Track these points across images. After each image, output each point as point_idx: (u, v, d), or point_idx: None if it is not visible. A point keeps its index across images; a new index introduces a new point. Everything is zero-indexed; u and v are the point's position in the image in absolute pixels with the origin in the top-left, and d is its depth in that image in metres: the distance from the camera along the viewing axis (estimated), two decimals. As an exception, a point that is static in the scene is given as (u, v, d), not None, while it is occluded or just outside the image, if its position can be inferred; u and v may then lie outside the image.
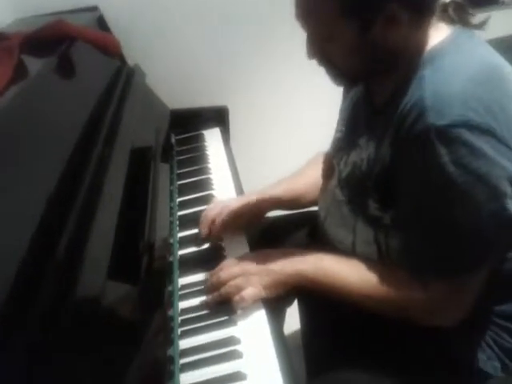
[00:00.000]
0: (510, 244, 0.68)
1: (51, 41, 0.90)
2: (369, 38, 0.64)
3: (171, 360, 0.65)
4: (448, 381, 0.74)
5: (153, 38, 1.32)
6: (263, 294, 0.74)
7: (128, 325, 0.62)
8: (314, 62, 0.73)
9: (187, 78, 1.37)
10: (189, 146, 1.20)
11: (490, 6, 1.50)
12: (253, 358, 0.67)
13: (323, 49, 0.70)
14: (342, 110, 0.91)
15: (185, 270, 0.82)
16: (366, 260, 0.74)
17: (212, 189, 1.03)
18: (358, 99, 0.83)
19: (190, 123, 1.27)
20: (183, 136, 1.25)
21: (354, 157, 0.77)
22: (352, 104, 0.85)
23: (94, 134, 0.79)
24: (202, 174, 1.08)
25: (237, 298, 0.72)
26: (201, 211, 0.92)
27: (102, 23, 1.19)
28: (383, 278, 0.71)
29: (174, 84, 1.33)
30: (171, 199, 0.99)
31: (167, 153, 1.10)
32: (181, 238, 0.90)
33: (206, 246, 0.88)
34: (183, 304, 0.76)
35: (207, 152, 1.17)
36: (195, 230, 0.90)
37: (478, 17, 0.70)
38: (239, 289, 0.73)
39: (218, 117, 1.27)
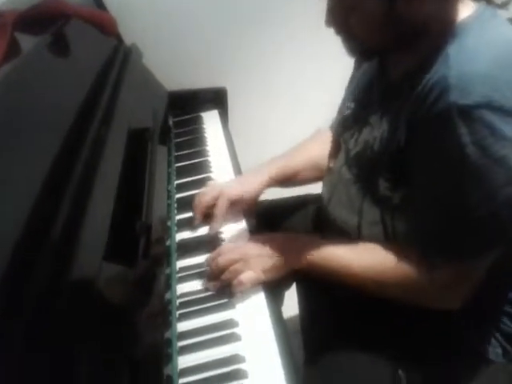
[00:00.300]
0: None
1: (46, 19, 0.87)
2: (394, 11, 0.62)
3: (169, 343, 0.65)
4: (450, 366, 0.74)
5: (150, 18, 1.29)
6: (262, 277, 0.74)
7: (125, 307, 0.61)
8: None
9: (185, 59, 1.35)
10: (187, 129, 1.18)
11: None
12: (251, 341, 0.66)
13: (344, 18, 0.67)
14: (350, 87, 0.89)
15: (183, 253, 0.82)
16: (369, 243, 0.73)
17: (210, 171, 1.02)
18: (370, 75, 0.81)
19: (188, 105, 1.25)
20: (181, 118, 1.23)
21: (365, 135, 0.76)
22: (363, 80, 0.83)
23: (90, 113, 0.77)
24: (200, 157, 1.07)
25: (235, 281, 0.72)
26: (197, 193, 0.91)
27: (98, 1, 1.16)
28: (387, 260, 0.70)
29: (171, 65, 1.31)
30: (169, 182, 0.97)
31: (165, 135, 1.09)
32: (179, 220, 0.89)
33: (204, 228, 0.87)
34: (181, 287, 0.75)
35: (205, 134, 1.16)
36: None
37: None
38: (239, 273, 0.72)
39: (217, 98, 1.25)
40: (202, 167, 1.03)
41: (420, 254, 0.68)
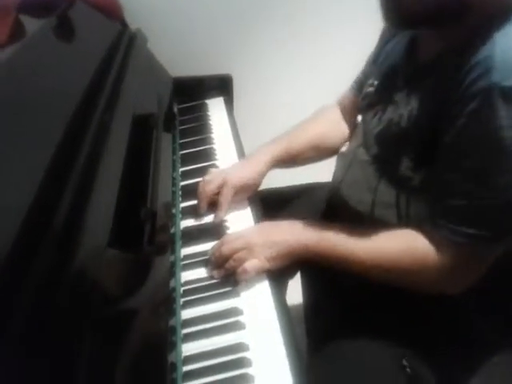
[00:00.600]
0: None
1: (51, 1, 0.86)
2: None
3: (173, 330, 0.65)
4: (456, 354, 0.74)
5: (156, 2, 1.27)
6: (267, 265, 0.73)
7: (129, 295, 0.61)
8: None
9: (190, 45, 1.34)
10: (191, 116, 1.17)
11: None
12: (256, 329, 0.66)
13: None
14: (374, 64, 0.87)
15: (187, 240, 0.81)
16: (376, 229, 0.73)
17: (215, 159, 1.01)
18: (397, 54, 0.80)
19: (193, 92, 1.24)
20: (186, 105, 1.22)
21: (389, 113, 0.75)
22: (390, 58, 0.81)
23: (94, 99, 0.76)
24: (205, 144, 1.06)
25: (240, 269, 0.71)
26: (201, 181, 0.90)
27: (102, -15, 1.14)
28: (397, 244, 0.70)
29: (176, 51, 1.29)
30: (174, 169, 0.97)
31: (169, 122, 1.08)
32: (183, 208, 0.89)
33: (208, 216, 0.86)
34: (185, 274, 0.75)
35: (210, 122, 1.15)
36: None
37: None
38: (243, 262, 0.72)
39: (222, 85, 1.24)
40: (207, 155, 1.02)
41: (436, 236, 0.67)
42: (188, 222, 0.86)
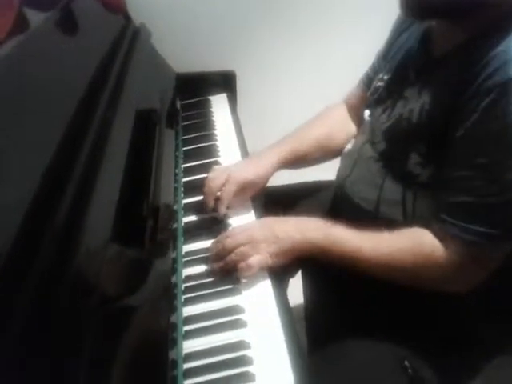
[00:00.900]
0: None
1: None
2: None
3: (174, 327, 0.64)
4: (458, 355, 0.74)
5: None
6: (270, 261, 0.72)
7: (131, 291, 0.60)
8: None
9: (193, 41, 1.33)
10: (194, 112, 1.17)
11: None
12: (257, 327, 0.66)
13: None
14: (384, 59, 0.87)
15: (189, 237, 0.81)
16: (382, 225, 0.72)
17: (218, 156, 1.01)
18: (410, 46, 0.79)
19: (196, 88, 1.23)
20: (189, 101, 1.21)
21: (399, 108, 0.74)
22: (401, 53, 0.81)
23: (97, 94, 0.76)
24: (208, 141, 1.05)
25: (243, 265, 0.71)
26: (206, 178, 0.90)
27: (106, -21, 1.14)
28: (401, 241, 0.69)
29: (180, 46, 1.29)
30: (176, 165, 0.96)
31: (172, 118, 1.07)
32: (185, 204, 0.88)
33: (211, 213, 0.86)
34: (187, 271, 0.75)
35: (213, 118, 1.14)
36: (200, 197, 0.87)
37: None
38: (245, 256, 0.71)
39: (225, 82, 1.23)
40: (210, 151, 1.02)
41: (444, 232, 0.67)
42: (190, 219, 0.86)
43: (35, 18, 0.76)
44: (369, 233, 0.72)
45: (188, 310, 0.68)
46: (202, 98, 1.22)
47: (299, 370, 0.60)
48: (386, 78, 0.82)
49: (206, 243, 0.79)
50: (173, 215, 0.82)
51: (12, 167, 0.54)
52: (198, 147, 1.04)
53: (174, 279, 0.71)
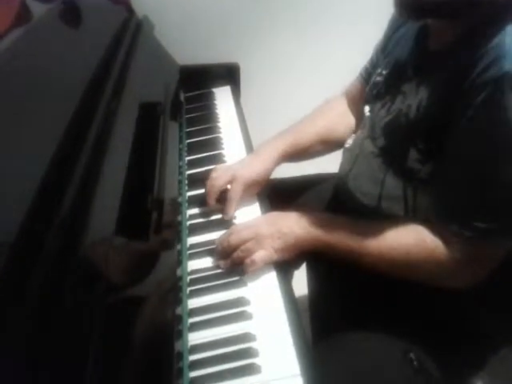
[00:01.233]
0: None
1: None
2: None
3: (180, 319, 0.64)
4: (462, 349, 0.74)
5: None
6: (275, 257, 0.73)
7: (136, 283, 0.60)
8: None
9: (197, 33, 1.32)
10: (198, 104, 1.16)
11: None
12: (262, 319, 0.66)
13: None
14: (382, 53, 0.86)
15: (194, 229, 0.81)
16: (385, 220, 0.72)
17: (222, 148, 1.01)
18: (407, 41, 0.78)
19: (200, 80, 1.23)
20: (193, 93, 1.21)
21: (398, 104, 0.74)
22: (399, 49, 0.80)
23: (100, 86, 0.76)
24: (212, 133, 1.05)
25: (248, 261, 0.71)
26: (210, 170, 0.89)
27: (109, -29, 1.13)
28: (404, 237, 0.69)
29: (183, 38, 1.28)
30: (180, 158, 0.96)
31: (176, 110, 1.07)
32: (190, 197, 0.88)
33: (216, 205, 0.86)
34: (192, 263, 0.75)
35: (217, 111, 1.14)
36: (204, 190, 0.87)
37: None
38: (251, 252, 0.71)
39: (229, 74, 1.23)
40: (214, 144, 1.02)
41: (443, 230, 0.66)
42: (194, 211, 0.85)
43: (38, 9, 0.76)
44: (372, 227, 0.71)
45: (193, 303, 0.68)
46: (205, 91, 1.22)
47: (305, 362, 0.60)
48: (384, 72, 0.82)
49: (210, 235, 0.79)
50: (177, 208, 0.82)
51: (16, 160, 0.54)
52: (202, 139, 1.04)
53: (179, 272, 0.71)
